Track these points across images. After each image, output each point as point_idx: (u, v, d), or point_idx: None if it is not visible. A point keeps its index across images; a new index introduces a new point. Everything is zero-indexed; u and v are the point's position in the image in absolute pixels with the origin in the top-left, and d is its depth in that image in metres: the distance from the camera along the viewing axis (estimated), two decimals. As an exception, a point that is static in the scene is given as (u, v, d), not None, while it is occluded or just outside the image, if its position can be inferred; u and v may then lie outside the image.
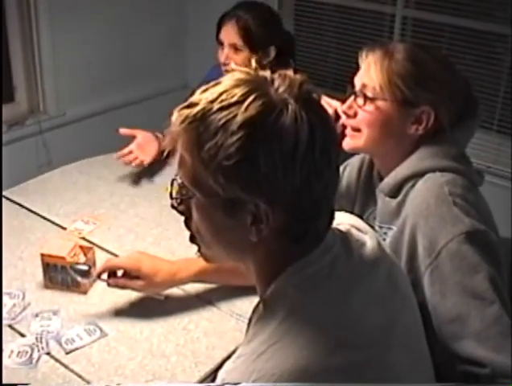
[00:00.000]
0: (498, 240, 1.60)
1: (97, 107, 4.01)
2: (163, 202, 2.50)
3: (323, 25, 3.99)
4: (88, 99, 3.98)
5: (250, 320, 1.24)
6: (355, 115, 1.74)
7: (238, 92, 1.06)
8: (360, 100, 1.72)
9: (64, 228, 2.30)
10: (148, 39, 4.21)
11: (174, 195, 1.19)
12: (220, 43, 2.77)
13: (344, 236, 1.23)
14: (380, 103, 1.69)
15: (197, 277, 1.91)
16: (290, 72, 1.13)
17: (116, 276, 1.87)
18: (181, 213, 1.20)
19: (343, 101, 1.79)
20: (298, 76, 1.12)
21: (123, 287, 1.87)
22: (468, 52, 3.39)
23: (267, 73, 1.12)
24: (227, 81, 1.10)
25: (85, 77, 3.94)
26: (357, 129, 1.75)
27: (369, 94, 1.70)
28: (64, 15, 3.67)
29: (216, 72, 2.75)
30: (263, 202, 1.07)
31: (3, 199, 2.44)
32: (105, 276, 1.87)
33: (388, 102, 1.68)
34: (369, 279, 1.21)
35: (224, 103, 1.06)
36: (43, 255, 1.94)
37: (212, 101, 1.07)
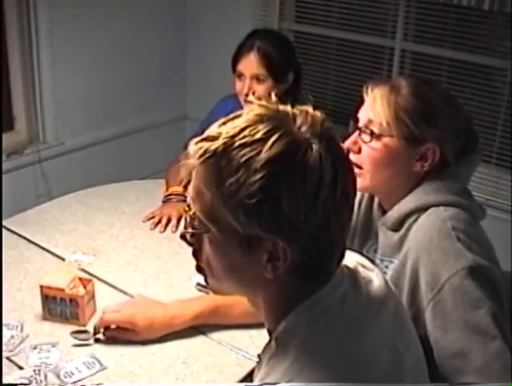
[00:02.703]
0: (500, 275, 1.60)
1: (96, 137, 4.01)
2: (163, 234, 2.51)
3: (322, 57, 4.01)
4: (88, 128, 3.98)
5: (260, 358, 1.22)
6: (359, 151, 1.73)
7: (261, 128, 1.04)
8: (366, 137, 1.71)
9: (63, 259, 2.29)
10: (147, 69, 4.23)
11: (187, 226, 1.16)
12: (239, 75, 2.73)
13: (352, 273, 1.22)
14: (386, 140, 1.69)
15: (192, 322, 1.91)
16: (309, 108, 1.11)
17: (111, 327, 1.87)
18: (190, 244, 1.17)
19: (345, 136, 1.78)
20: (318, 113, 1.11)
21: (119, 338, 1.87)
22: (467, 86, 3.40)
23: (288, 108, 1.10)
24: (248, 116, 1.08)
25: (85, 107, 3.95)
26: (358, 166, 1.74)
27: (376, 130, 1.70)
28: (64, 46, 3.68)
29: (227, 105, 2.74)
30: (282, 240, 1.05)
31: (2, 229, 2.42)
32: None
33: (394, 139, 1.68)
34: (379, 317, 1.19)
35: (247, 139, 1.03)
36: (42, 286, 1.92)
37: (234, 136, 1.04)
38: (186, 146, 1.13)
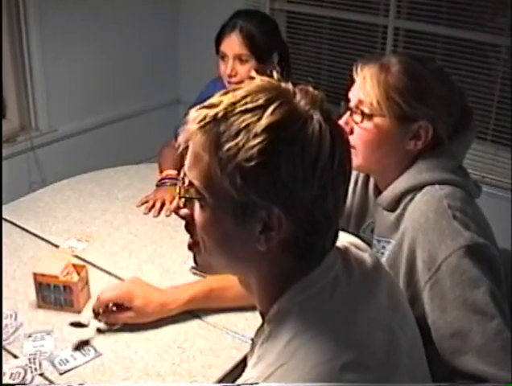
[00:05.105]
0: (498, 254, 1.59)
1: (89, 123, 3.99)
2: (157, 219, 2.50)
3: (315, 37, 3.99)
4: (80, 115, 3.96)
5: (253, 341, 1.22)
6: (351, 132, 1.71)
7: (263, 96, 1.06)
8: (357, 117, 1.69)
9: (57, 246, 2.27)
10: (139, 54, 4.20)
11: (180, 196, 1.15)
12: (222, 56, 2.70)
13: (344, 254, 1.21)
14: (378, 120, 1.67)
15: (187, 307, 1.90)
16: (309, 88, 1.12)
17: (107, 308, 1.84)
18: (183, 218, 1.17)
19: (337, 116, 1.76)
20: (317, 92, 1.11)
21: (114, 321, 1.85)
22: (461, 62, 3.38)
23: (289, 85, 1.11)
24: (249, 86, 1.09)
25: (77, 93, 3.93)
26: (351, 147, 1.71)
27: (367, 110, 1.67)
28: (54, 32, 3.65)
29: (216, 86, 2.71)
30: (278, 208, 1.05)
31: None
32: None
33: (386, 118, 1.66)
34: (372, 298, 1.19)
35: (248, 105, 1.04)
36: (35, 274, 1.90)
37: (235, 103, 1.06)
38: (177, 131, 1.13)
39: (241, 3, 3.84)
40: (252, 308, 1.75)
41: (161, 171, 2.73)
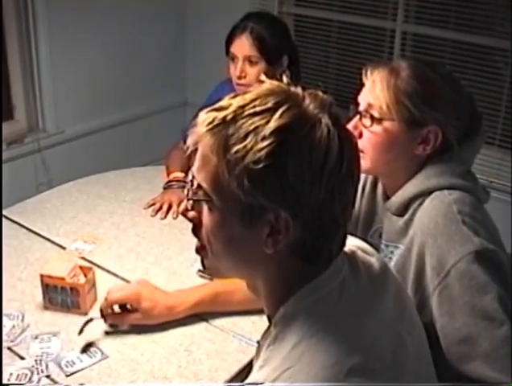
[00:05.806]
0: (507, 259, 1.58)
1: (96, 124, 4.00)
2: (164, 221, 2.50)
3: (323, 41, 3.99)
4: (88, 116, 3.97)
5: (259, 344, 1.21)
6: (360, 135, 1.70)
7: (272, 99, 1.06)
8: (366, 121, 1.69)
9: (64, 248, 2.27)
10: (147, 56, 4.21)
11: (188, 198, 1.16)
12: (232, 57, 2.70)
13: (351, 258, 1.21)
14: (387, 124, 1.66)
15: (193, 310, 1.90)
16: (318, 92, 1.12)
17: (112, 309, 1.85)
18: (191, 220, 1.17)
19: (346, 120, 1.75)
20: (326, 97, 1.11)
21: (120, 323, 1.86)
22: (469, 67, 3.38)
23: (298, 89, 1.11)
24: (258, 90, 1.09)
25: (84, 95, 3.94)
26: (360, 150, 1.71)
27: (376, 114, 1.67)
28: (62, 34, 3.66)
29: (224, 89, 2.71)
30: (285, 211, 1.05)
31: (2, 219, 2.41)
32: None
33: (395, 122, 1.65)
34: (379, 302, 1.18)
35: (256, 109, 1.05)
36: (42, 276, 1.91)
37: (244, 106, 1.06)
38: (185, 133, 1.13)
39: (249, 6, 3.85)
40: (259, 311, 1.76)
41: (168, 174, 2.73)
